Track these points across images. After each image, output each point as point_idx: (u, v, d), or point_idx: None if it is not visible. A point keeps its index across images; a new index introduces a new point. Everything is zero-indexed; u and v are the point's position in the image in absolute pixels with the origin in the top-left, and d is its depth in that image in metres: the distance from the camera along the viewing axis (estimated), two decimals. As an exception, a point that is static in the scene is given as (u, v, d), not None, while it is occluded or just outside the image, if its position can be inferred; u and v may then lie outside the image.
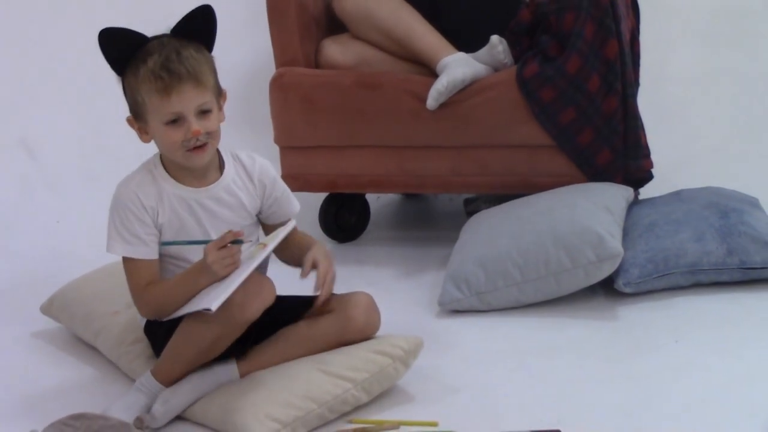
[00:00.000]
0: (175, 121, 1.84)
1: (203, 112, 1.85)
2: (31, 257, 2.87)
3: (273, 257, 2.00)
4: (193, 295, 1.86)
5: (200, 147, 1.86)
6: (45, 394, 2.03)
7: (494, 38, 2.65)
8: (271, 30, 2.83)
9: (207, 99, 1.86)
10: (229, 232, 1.84)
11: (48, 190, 3.27)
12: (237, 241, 1.84)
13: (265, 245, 1.89)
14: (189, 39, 1.88)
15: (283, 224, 1.99)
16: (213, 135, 1.88)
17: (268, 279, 1.90)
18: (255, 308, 1.84)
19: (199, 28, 1.89)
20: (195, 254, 1.91)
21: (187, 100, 1.83)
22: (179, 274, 1.91)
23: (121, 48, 1.86)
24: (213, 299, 1.76)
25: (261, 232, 2.07)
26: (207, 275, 1.84)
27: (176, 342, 1.87)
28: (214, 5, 1.89)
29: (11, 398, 2.02)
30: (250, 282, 1.82)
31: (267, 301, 1.86)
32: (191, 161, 1.88)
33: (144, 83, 1.83)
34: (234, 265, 1.83)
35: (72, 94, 3.43)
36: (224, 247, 1.82)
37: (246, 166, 2.00)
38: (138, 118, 1.90)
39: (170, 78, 1.81)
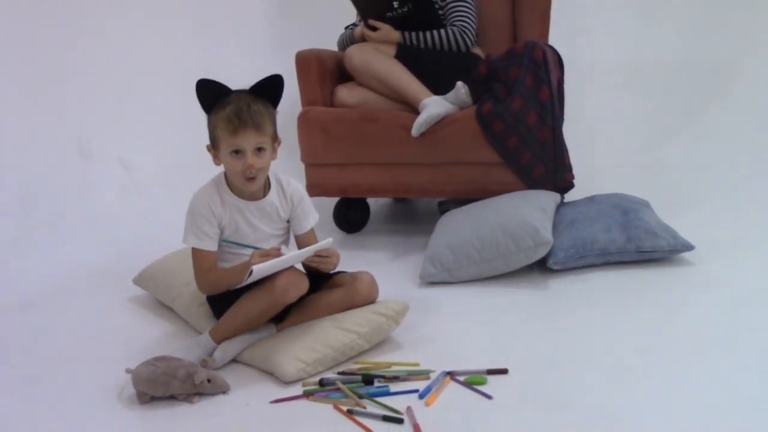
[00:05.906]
0: (237, 152, 1.84)
1: (259, 149, 1.85)
2: (126, 243, 2.86)
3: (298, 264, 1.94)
4: (238, 283, 1.85)
5: (252, 178, 1.87)
6: (136, 342, 2.02)
7: (459, 84, 2.65)
8: (298, 79, 2.81)
9: (263, 141, 1.85)
10: (271, 248, 1.86)
11: (138, 195, 3.26)
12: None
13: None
14: (259, 96, 1.85)
15: (310, 235, 2.01)
16: (262, 170, 1.88)
17: (305, 275, 1.88)
18: (293, 295, 1.85)
19: (269, 89, 1.86)
20: (245, 247, 1.93)
21: (248, 139, 1.82)
22: (230, 267, 1.91)
23: (209, 94, 1.84)
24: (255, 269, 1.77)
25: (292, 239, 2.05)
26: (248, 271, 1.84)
27: (232, 313, 1.88)
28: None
29: (112, 345, 2.02)
30: (292, 275, 1.83)
31: (302, 291, 1.87)
32: (246, 187, 1.90)
33: (220, 123, 1.82)
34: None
35: (157, 124, 3.42)
36: (266, 255, 1.82)
37: (284, 187, 2.00)
38: (214, 146, 1.89)
39: (239, 123, 1.80)
